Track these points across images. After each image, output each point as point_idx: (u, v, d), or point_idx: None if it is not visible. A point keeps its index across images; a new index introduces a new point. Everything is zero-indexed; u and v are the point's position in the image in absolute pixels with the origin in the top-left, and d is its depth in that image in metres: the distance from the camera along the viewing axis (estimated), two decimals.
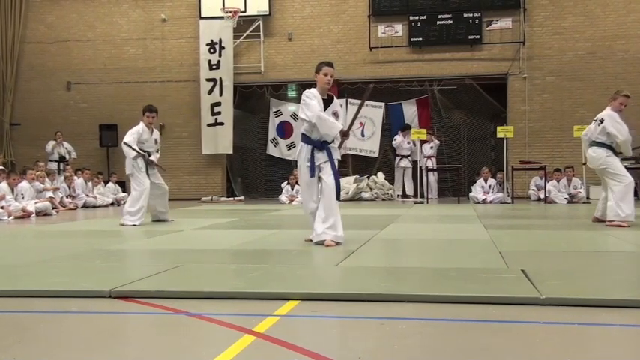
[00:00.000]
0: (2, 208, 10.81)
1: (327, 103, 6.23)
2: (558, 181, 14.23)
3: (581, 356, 2.73)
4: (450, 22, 16.06)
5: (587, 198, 13.88)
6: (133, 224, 8.62)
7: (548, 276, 4.21)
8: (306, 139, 6.26)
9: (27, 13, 17.44)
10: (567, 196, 13.95)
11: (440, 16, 16.09)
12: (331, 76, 6.24)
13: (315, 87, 6.27)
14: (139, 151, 8.95)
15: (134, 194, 8.87)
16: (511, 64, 15.92)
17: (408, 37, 16.32)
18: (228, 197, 16.68)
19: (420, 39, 16.21)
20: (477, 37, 15.97)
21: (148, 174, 9.00)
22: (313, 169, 6.19)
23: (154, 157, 9.20)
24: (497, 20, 15.99)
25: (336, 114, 6.24)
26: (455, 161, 16.27)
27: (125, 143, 8.93)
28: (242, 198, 16.61)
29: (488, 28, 16.03)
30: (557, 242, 6.52)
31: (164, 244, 6.63)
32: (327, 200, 6.07)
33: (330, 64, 6.35)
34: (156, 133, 9.40)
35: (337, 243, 6.03)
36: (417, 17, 16.18)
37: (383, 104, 16.74)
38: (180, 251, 5.98)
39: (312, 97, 6.14)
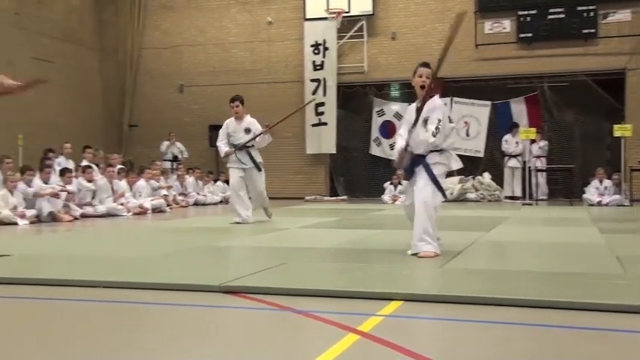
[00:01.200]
0: (122, 204, 11.48)
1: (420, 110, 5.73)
2: None
3: None
4: (562, 16, 15.42)
5: None
6: (234, 221, 8.84)
7: None
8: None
9: (144, 20, 18.38)
10: None
11: (551, 10, 15.48)
12: (426, 77, 5.77)
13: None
14: (222, 147, 9.07)
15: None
16: (629, 59, 15.06)
17: (516, 33, 15.82)
18: (331, 196, 16.84)
19: (530, 35, 15.67)
20: (592, 30, 15.23)
21: (243, 169, 8.99)
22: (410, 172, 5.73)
23: (258, 140, 9.02)
24: (615, 12, 15.17)
25: (426, 121, 5.63)
26: (566, 161, 15.59)
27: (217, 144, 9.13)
28: (345, 197, 16.71)
29: (604, 21, 15.25)
30: None
31: (270, 242, 6.80)
32: (415, 209, 5.54)
33: (424, 65, 5.92)
34: (247, 122, 9.16)
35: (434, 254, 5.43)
36: (526, 12, 15.65)
37: (489, 103, 16.32)
38: (286, 249, 6.11)
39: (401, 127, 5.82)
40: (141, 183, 12.52)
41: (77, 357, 2.79)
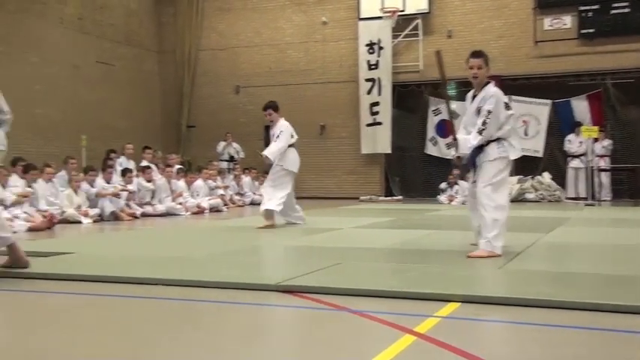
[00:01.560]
0: (180, 204, 11.71)
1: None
2: None
3: None
4: (627, 10, 14.92)
5: None
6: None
7: None
8: None
9: (202, 22, 18.70)
10: None
11: (614, 5, 15.01)
12: (477, 68, 5.62)
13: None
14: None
15: None
16: None
17: (577, 28, 15.40)
18: (386, 197, 16.76)
19: (592, 30, 15.22)
20: None
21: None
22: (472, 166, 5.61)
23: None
24: None
25: (479, 110, 5.57)
26: (631, 160, 15.07)
27: None
28: (400, 197, 16.61)
29: None
30: None
31: (325, 242, 6.82)
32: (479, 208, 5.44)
33: (474, 55, 5.71)
34: (277, 127, 8.69)
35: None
36: (587, 7, 15.21)
37: (549, 101, 15.94)
38: (341, 249, 6.12)
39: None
40: (198, 183, 12.74)
41: (140, 352, 2.86)
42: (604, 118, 15.65)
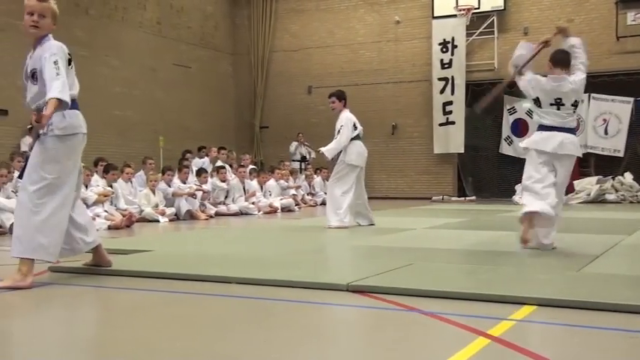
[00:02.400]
0: (253, 203, 11.91)
1: None
2: None
3: None
4: None
5: None
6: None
7: None
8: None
9: (275, 24, 18.97)
10: None
11: None
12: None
13: None
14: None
15: None
16: None
17: None
18: (459, 197, 16.51)
19: None
20: None
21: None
22: None
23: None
24: None
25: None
26: None
27: None
28: (473, 198, 16.33)
29: None
30: None
31: (396, 242, 6.79)
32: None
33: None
34: (339, 120, 8.46)
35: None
36: None
37: (632, 99, 15.30)
38: (412, 249, 6.08)
39: None
40: (271, 183, 12.93)
41: (215, 348, 2.94)
42: None
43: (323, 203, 14.73)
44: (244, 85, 19.19)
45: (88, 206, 9.01)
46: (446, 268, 4.98)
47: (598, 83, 15.52)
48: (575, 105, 5.52)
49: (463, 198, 16.33)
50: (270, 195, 12.67)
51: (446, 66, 16.74)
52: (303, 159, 16.80)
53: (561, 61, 5.57)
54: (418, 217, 10.07)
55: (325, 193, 15.12)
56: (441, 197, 16.33)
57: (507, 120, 16.64)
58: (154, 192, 10.44)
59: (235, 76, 19.33)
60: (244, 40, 19.23)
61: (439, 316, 3.39)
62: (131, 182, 10.36)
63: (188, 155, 12.92)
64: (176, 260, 5.29)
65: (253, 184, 12.43)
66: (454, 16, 16.46)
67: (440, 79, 16.79)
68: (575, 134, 5.62)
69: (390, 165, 17.18)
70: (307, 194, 14.60)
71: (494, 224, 8.94)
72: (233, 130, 19.06)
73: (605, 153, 15.53)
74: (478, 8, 16.27)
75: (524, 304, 3.58)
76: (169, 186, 10.78)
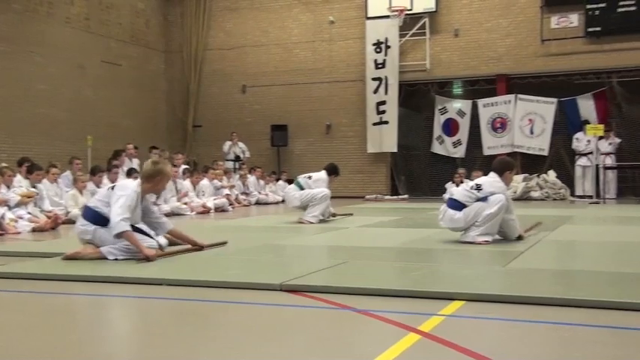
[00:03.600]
0: (186, 204, 11.73)
1: None
2: None
3: None
4: (634, 8, 14.86)
5: None
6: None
7: None
8: None
9: (209, 22, 18.73)
10: None
11: (621, 3, 14.95)
12: None
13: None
14: None
15: None
16: None
17: (584, 27, 15.35)
18: (392, 195, 16.76)
19: (598, 28, 15.17)
20: None
21: None
22: None
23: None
24: None
25: None
26: (636, 158, 15.03)
27: None
28: (406, 196, 16.60)
29: None
30: None
31: (330, 241, 6.83)
32: None
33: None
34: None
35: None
36: (594, 5, 15.15)
37: (555, 100, 15.89)
38: (346, 248, 6.13)
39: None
40: (204, 182, 12.77)
41: (146, 352, 2.88)
42: (610, 116, 15.60)
43: (257, 203, 14.69)
44: (177, 83, 18.88)
45: (10, 208, 8.67)
46: (379, 265, 5.04)
47: (524, 84, 16.09)
48: None
49: (396, 197, 16.57)
50: (203, 195, 12.51)
51: (379, 66, 16.94)
52: (237, 158, 16.68)
53: None
54: (352, 216, 10.14)
55: (260, 193, 15.12)
56: (374, 196, 16.52)
57: (439, 120, 16.99)
58: (81, 193, 10.13)
59: (168, 74, 18.99)
60: (177, 37, 18.91)
61: (371, 314, 3.42)
62: (57, 183, 10.02)
63: (120, 155, 12.59)
64: (103, 263, 5.15)
65: (186, 184, 12.24)
66: (387, 17, 16.67)
67: (374, 79, 16.99)
68: None
69: (324, 164, 17.24)
70: (241, 194, 14.49)
71: (426, 222, 9.10)
72: (165, 129, 18.72)
73: (530, 152, 16.07)
74: (411, 9, 16.53)
75: (454, 299, 3.66)
76: (99, 187, 10.48)
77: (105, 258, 5.16)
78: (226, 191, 13.48)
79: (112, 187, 5.46)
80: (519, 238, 6.20)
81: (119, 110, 16.60)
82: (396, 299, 3.77)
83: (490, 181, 6.17)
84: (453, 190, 6.88)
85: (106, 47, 16.56)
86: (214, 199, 12.50)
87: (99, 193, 5.79)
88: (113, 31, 16.83)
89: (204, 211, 11.91)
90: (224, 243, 6.06)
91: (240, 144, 16.91)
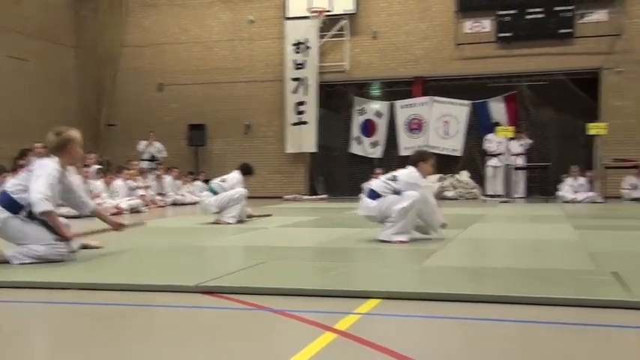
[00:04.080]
0: (98, 205, 11.34)
1: None
2: None
3: None
4: (541, 16, 15.55)
5: None
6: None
7: None
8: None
9: (126, 18, 18.21)
10: None
11: (529, 11, 15.61)
12: None
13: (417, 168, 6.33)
14: None
15: None
16: (605, 58, 15.24)
17: (495, 32, 15.93)
18: (310, 195, 16.83)
19: (509, 34, 15.79)
20: (569, 30, 15.38)
21: None
22: None
23: None
24: (591, 13, 15.34)
25: None
26: (543, 159, 15.75)
27: None
28: (325, 196, 16.72)
29: (581, 21, 15.40)
30: None
31: (248, 241, 6.78)
32: None
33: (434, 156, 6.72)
34: None
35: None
36: (505, 12, 15.76)
37: (469, 102, 16.42)
38: (264, 248, 6.09)
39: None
40: (118, 183, 12.39)
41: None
42: (519, 118, 16.27)
43: (174, 204, 14.39)
44: (91, 80, 18.22)
45: None
46: (297, 265, 5.04)
47: (439, 87, 16.53)
48: None
49: (314, 196, 16.66)
50: (117, 196, 12.14)
51: (299, 66, 16.99)
52: (153, 158, 16.30)
53: None
54: (271, 216, 10.11)
55: (176, 193, 14.82)
56: (293, 196, 16.55)
57: (357, 120, 17.21)
58: None
59: (79, 70, 18.30)
60: (90, 33, 18.24)
61: (288, 314, 3.41)
62: None
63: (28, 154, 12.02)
64: (6, 267, 4.90)
65: (98, 184, 11.85)
66: (307, 17, 16.74)
67: (293, 80, 17.01)
68: None
69: None
70: (157, 195, 14.16)
71: (344, 222, 9.20)
72: (77, 128, 18.00)
73: (445, 152, 16.52)
74: (330, 11, 16.66)
75: (370, 297, 3.70)
76: None
77: (7, 262, 4.90)
78: (141, 192, 13.14)
79: (31, 171, 5.17)
80: (443, 226, 6.38)
81: (26, 108, 15.87)
82: (313, 299, 3.77)
83: (406, 172, 6.30)
84: (372, 182, 6.96)
85: (13, 42, 15.80)
86: (128, 200, 12.15)
87: (17, 178, 5.39)
88: (21, 26, 16.08)
89: (118, 212, 11.56)
90: (143, 223, 6.12)
91: (157, 143, 16.55)
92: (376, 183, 6.49)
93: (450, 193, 15.33)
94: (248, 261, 5.05)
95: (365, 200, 6.32)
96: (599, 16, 15.33)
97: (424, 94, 16.57)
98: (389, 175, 6.44)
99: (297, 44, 16.95)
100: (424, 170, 6.39)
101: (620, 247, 5.99)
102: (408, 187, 6.16)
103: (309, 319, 3.28)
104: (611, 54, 15.21)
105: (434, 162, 6.65)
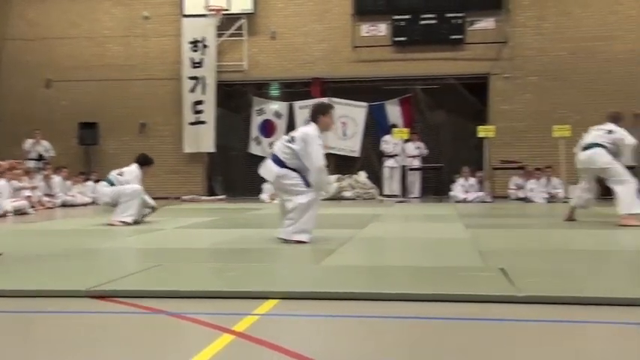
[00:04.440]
0: None
1: None
2: (538, 180, 14.33)
3: (556, 353, 2.74)
4: (434, 22, 16.09)
5: (566, 197, 13.98)
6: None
7: (526, 274, 4.24)
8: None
9: (10, 9, 17.20)
10: (547, 195, 14.04)
11: (423, 16, 16.12)
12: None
13: (314, 125, 6.17)
14: None
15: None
16: (493, 64, 15.99)
17: (391, 36, 16.33)
18: (209, 196, 16.60)
19: (404, 38, 16.23)
20: (460, 37, 16.02)
21: None
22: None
23: None
24: (480, 20, 16.06)
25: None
26: (436, 160, 16.33)
27: None
28: (223, 197, 16.53)
29: (471, 28, 16.09)
30: (535, 240, 6.57)
31: (144, 244, 6.59)
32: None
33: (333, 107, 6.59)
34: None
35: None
36: (400, 17, 16.19)
37: (366, 104, 16.75)
38: (161, 250, 5.94)
39: (320, 145, 6.10)
40: (1, 183, 11.68)
41: None
42: (414, 120, 16.79)
43: (64, 205, 13.77)
44: None
45: None
46: (194, 267, 4.94)
47: (337, 88, 16.74)
48: None
49: (213, 197, 16.44)
50: (1, 197, 11.43)
51: (197, 65, 16.71)
52: (40, 157, 15.50)
53: None
54: (167, 218, 9.89)
55: (66, 194, 14.16)
56: (190, 197, 16.25)
57: (256, 121, 17.14)
58: None
59: None
60: None
61: (185, 317, 3.34)
62: None
63: None
64: None
65: None
66: (205, 15, 16.49)
67: (190, 78, 16.71)
68: None
69: None
70: (45, 195, 13.47)
71: (243, 222, 9.14)
72: None
73: (343, 153, 16.77)
74: (228, 10, 16.50)
75: (268, 298, 3.68)
76: None
77: None
78: (27, 192, 12.46)
79: None
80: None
81: None
82: (210, 301, 3.71)
83: (301, 131, 6.22)
84: (275, 146, 6.72)
85: None
86: (13, 202, 11.48)
87: None
88: None
89: (1, 214, 10.91)
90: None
91: (44, 142, 15.74)
92: (278, 146, 6.33)
93: (348, 194, 15.57)
94: (143, 263, 4.90)
95: (266, 164, 6.33)
96: (487, 23, 16.07)
97: (322, 95, 16.72)
98: (287, 136, 6.29)
99: (195, 42, 16.67)
100: (325, 124, 6.23)
101: (506, 244, 6.30)
102: (303, 147, 6.03)
103: (207, 321, 3.23)
104: (498, 60, 15.98)
105: (332, 115, 6.41)
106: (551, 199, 13.96)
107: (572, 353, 2.78)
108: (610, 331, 3.13)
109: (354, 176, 16.07)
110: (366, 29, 16.48)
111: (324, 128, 6.27)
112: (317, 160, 6.04)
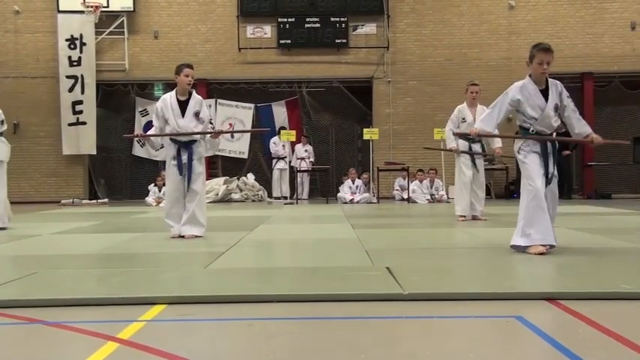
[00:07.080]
0: None
1: (185, 103, 6.65)
2: (421, 182, 14.86)
3: (440, 348, 2.86)
4: (318, 25, 16.34)
5: (448, 198, 14.64)
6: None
7: (410, 272, 4.39)
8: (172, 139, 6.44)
9: None
10: (429, 197, 14.59)
11: (308, 19, 16.33)
12: (192, 78, 6.64)
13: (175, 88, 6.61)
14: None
15: None
16: (376, 69, 16.46)
17: (276, 38, 16.41)
18: (90, 199, 15.94)
19: (289, 41, 16.36)
20: (344, 40, 16.37)
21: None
22: (181, 168, 6.58)
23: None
24: (363, 25, 16.48)
25: (197, 114, 6.63)
26: (324, 162, 16.59)
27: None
28: (106, 200, 15.93)
29: (354, 33, 16.48)
30: (419, 240, 6.83)
31: (18, 250, 6.22)
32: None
33: (190, 66, 6.70)
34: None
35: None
36: (285, 19, 16.31)
37: (253, 105, 16.73)
38: (37, 257, 5.63)
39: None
40: None
41: None
42: (301, 123, 16.96)
43: None
44: None
45: None
46: (74, 274, 4.72)
47: (223, 90, 16.62)
48: None
49: (95, 201, 15.80)
50: None
51: (75, 63, 16.00)
52: None
53: None
54: (45, 222, 9.40)
55: None
56: (71, 200, 15.53)
57: (140, 122, 16.65)
58: None
59: None
60: None
61: (65, 326, 3.18)
62: None
63: None
64: None
65: None
66: (82, 12, 15.81)
67: (68, 77, 15.98)
68: None
69: (11, 167, 15.61)
70: None
71: (127, 226, 8.84)
72: None
73: (231, 155, 16.66)
74: (107, 7, 15.92)
75: (154, 303, 3.58)
76: None
77: None
78: None
79: None
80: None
81: None
82: (92, 308, 3.56)
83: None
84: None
85: None
86: None
87: None
88: None
89: None
90: None
91: None
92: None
93: (236, 196, 15.47)
94: (17, 272, 4.62)
95: None
96: (369, 29, 16.52)
97: (208, 97, 16.55)
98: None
99: (72, 39, 15.96)
100: (182, 83, 6.61)
101: (391, 244, 6.49)
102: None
103: (89, 329, 3.09)
104: (380, 65, 16.47)
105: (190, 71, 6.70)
106: (434, 199, 14.49)
107: (453, 348, 2.91)
108: (489, 325, 3.30)
109: (243, 178, 16.01)
110: (251, 31, 16.46)
111: (181, 87, 6.66)
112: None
